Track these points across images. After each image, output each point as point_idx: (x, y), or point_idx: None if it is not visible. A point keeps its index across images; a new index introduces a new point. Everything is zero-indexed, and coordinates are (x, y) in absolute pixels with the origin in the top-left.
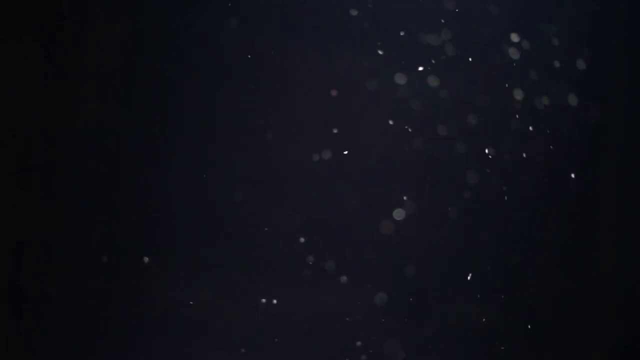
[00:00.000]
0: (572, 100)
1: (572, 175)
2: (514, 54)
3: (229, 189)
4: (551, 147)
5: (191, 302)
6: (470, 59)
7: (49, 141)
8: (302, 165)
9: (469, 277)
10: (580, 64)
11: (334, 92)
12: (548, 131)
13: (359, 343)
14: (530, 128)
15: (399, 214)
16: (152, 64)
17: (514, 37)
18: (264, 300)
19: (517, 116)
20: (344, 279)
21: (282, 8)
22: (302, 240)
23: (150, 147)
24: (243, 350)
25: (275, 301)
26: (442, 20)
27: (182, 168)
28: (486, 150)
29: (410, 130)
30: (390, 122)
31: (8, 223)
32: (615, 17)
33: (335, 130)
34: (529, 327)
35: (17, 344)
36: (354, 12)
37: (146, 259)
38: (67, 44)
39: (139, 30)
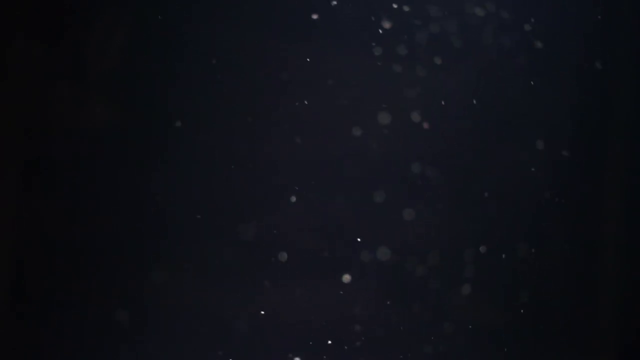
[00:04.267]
0: (575, 99)
1: (576, 174)
2: (515, 53)
3: (230, 189)
4: (554, 146)
5: (193, 304)
6: (471, 59)
7: (49, 141)
8: (303, 166)
9: (471, 275)
10: (584, 63)
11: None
12: (550, 130)
13: (361, 343)
14: (532, 127)
15: (406, 212)
16: (153, 65)
17: (516, 38)
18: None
19: (517, 115)
20: (348, 279)
21: (284, 8)
22: (303, 240)
23: (151, 148)
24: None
25: (277, 303)
26: (443, 20)
27: (183, 169)
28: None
29: (413, 128)
30: (393, 121)
31: (8, 223)
32: (617, 17)
33: (337, 130)
34: (533, 326)
35: (17, 344)
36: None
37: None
38: (70, 44)
39: (142, 30)
